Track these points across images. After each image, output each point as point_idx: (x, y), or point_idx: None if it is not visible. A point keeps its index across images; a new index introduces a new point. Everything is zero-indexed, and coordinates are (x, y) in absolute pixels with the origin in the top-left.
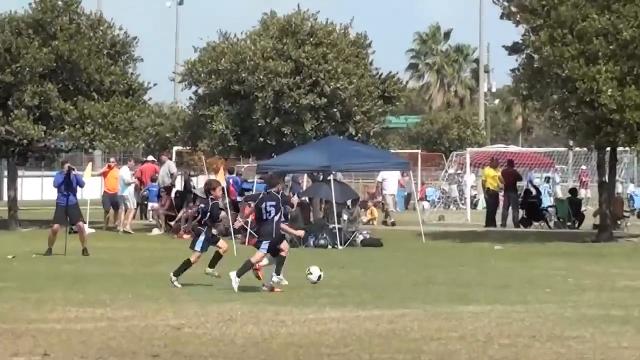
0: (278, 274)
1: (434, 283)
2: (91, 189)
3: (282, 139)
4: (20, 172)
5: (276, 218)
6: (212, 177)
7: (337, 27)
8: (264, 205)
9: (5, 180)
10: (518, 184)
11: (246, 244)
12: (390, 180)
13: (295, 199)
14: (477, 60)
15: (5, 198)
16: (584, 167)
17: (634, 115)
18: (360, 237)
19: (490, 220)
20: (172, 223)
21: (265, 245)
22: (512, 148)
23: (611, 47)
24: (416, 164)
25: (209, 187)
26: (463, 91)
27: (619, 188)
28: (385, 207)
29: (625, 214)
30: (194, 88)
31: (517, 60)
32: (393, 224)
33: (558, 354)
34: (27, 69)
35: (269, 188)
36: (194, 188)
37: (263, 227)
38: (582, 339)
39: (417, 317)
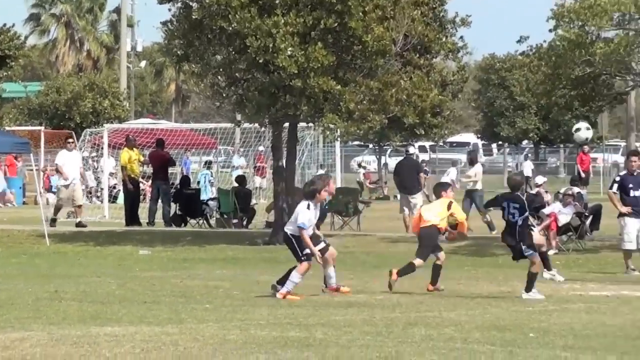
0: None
1: (61, 298)
2: None
3: None
4: None
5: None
6: None
7: None
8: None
9: None
10: (171, 170)
11: None
12: (70, 163)
13: None
14: (117, 10)
15: None
16: (261, 148)
17: (321, 81)
18: None
19: (132, 217)
20: None
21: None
22: (164, 124)
23: None
24: (38, 144)
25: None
26: (99, 50)
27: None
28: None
29: None
30: None
31: (170, 10)
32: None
33: None
34: None
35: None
36: None
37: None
38: None
39: (40, 342)
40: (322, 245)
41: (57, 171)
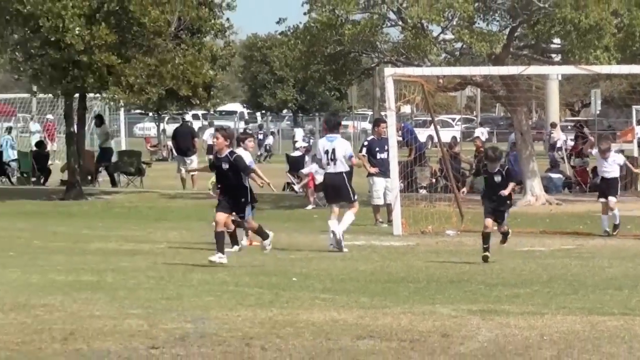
0: None
1: None
2: None
3: None
4: None
5: None
6: None
7: None
8: None
9: None
10: None
11: None
12: None
13: None
14: None
15: None
16: (49, 116)
17: (104, 57)
18: None
19: None
20: None
21: None
22: None
23: None
24: None
25: None
26: None
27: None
28: None
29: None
30: None
31: None
32: None
33: (23, 325)
34: None
35: None
36: None
37: None
38: (50, 308)
39: None
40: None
41: None
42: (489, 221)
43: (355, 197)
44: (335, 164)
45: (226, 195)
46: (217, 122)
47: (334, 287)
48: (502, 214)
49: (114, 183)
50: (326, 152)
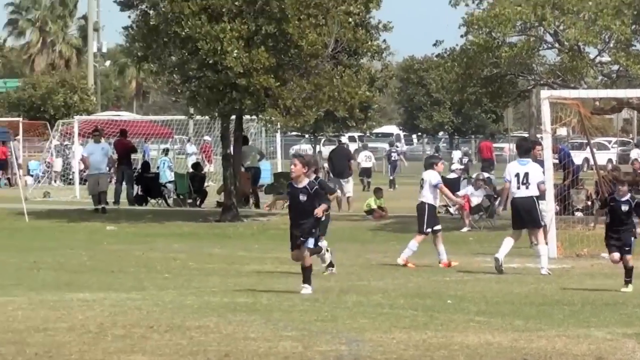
0: None
1: (39, 268)
2: None
3: None
4: None
5: None
6: None
7: None
8: None
9: None
10: (133, 156)
11: None
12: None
13: None
14: (85, 17)
15: None
16: (207, 138)
17: (262, 79)
18: None
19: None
20: None
21: None
22: (126, 116)
23: (236, 3)
24: (18, 134)
25: None
26: (69, 51)
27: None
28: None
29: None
30: None
31: (130, 16)
32: None
33: (179, 346)
34: None
35: None
36: None
37: None
38: (205, 329)
39: (21, 306)
40: (439, 226)
41: (83, 161)
42: (616, 256)
43: (543, 223)
44: (527, 187)
45: (296, 226)
46: (371, 144)
47: (488, 310)
48: (627, 245)
49: (257, 204)
50: (517, 175)
